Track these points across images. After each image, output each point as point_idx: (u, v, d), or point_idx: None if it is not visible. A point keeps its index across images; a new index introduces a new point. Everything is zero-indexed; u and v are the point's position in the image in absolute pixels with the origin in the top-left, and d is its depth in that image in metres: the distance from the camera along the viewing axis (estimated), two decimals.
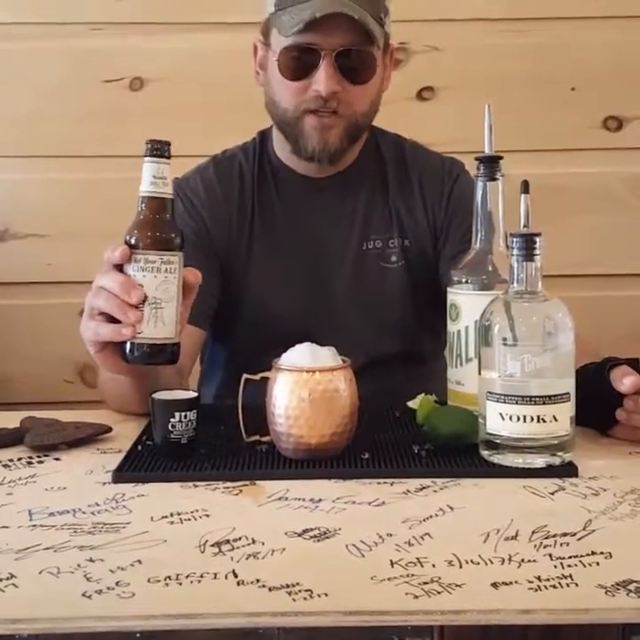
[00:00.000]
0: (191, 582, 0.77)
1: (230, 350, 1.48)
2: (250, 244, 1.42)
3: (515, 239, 1.04)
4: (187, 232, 1.31)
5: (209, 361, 1.54)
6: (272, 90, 1.36)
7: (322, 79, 1.29)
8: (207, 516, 0.92)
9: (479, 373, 1.07)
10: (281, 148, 1.43)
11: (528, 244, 1.03)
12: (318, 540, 0.86)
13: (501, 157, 1.17)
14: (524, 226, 1.06)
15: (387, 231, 1.43)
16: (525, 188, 1.06)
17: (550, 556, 0.81)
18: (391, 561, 0.80)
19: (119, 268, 1.06)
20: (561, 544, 0.84)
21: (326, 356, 1.08)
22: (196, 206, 1.41)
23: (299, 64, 1.31)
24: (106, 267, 1.06)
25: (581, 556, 0.81)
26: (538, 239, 1.04)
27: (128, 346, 1.05)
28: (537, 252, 1.04)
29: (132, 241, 1.06)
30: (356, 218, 1.43)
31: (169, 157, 1.07)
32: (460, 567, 0.79)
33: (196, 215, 1.41)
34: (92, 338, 1.07)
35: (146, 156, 1.06)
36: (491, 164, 1.16)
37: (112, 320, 1.05)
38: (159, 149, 1.06)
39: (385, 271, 1.42)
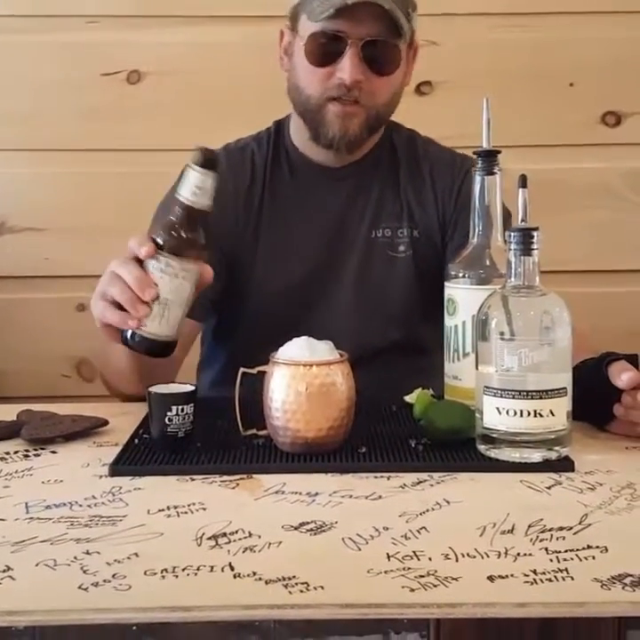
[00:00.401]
0: (188, 575, 0.77)
1: (233, 337, 1.49)
2: (257, 232, 1.43)
3: (512, 233, 1.04)
4: None
5: (209, 347, 1.54)
6: (296, 76, 1.37)
7: (346, 67, 1.30)
8: (204, 509, 0.92)
9: (476, 368, 1.07)
10: (299, 135, 1.44)
11: (526, 239, 1.03)
12: (315, 534, 0.86)
13: (499, 152, 1.17)
14: (522, 220, 1.06)
15: (397, 221, 1.44)
16: (523, 182, 1.06)
17: (546, 549, 0.81)
18: (388, 554, 0.80)
19: (139, 259, 1.08)
20: (557, 538, 0.84)
21: (323, 349, 1.08)
22: None
23: (325, 50, 1.32)
24: (128, 254, 1.08)
25: (577, 549, 0.81)
26: (535, 233, 1.03)
27: (129, 333, 1.09)
28: (534, 246, 1.04)
29: (159, 241, 1.07)
30: (367, 207, 1.44)
31: (217, 170, 1.07)
32: (457, 561, 0.79)
33: None
34: (99, 316, 1.11)
35: (195, 163, 1.06)
36: (488, 158, 1.16)
37: (121, 307, 1.08)
38: (211, 161, 1.06)
39: (392, 260, 1.44)
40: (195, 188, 1.06)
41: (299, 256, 1.43)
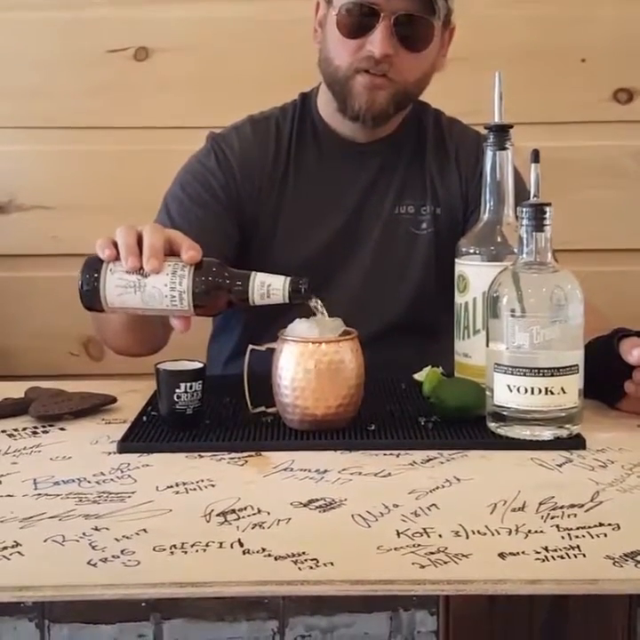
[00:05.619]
0: (197, 551, 0.77)
1: (247, 310, 1.48)
2: (280, 201, 1.42)
3: (524, 209, 1.03)
4: (213, 185, 1.38)
5: (222, 320, 1.53)
6: (327, 46, 1.37)
7: (377, 40, 1.29)
8: (212, 486, 0.92)
9: (487, 345, 1.06)
10: (327, 108, 1.43)
11: (538, 214, 1.02)
12: (324, 511, 0.85)
13: (511, 126, 1.16)
14: (534, 196, 1.04)
15: (420, 198, 1.44)
16: (536, 157, 1.05)
17: (557, 527, 0.81)
18: (397, 531, 0.80)
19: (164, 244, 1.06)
20: (568, 515, 0.83)
21: (332, 327, 1.07)
22: (229, 159, 1.41)
23: (357, 22, 1.31)
24: (162, 233, 1.06)
25: (589, 527, 0.81)
26: (548, 209, 1.02)
27: (88, 282, 1.09)
28: (547, 222, 1.02)
29: (202, 273, 1.05)
30: (392, 183, 1.44)
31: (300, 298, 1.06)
32: (467, 537, 0.79)
33: (226, 168, 1.41)
34: (99, 244, 1.09)
35: (290, 287, 1.05)
36: (500, 132, 1.15)
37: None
38: (297, 295, 1.06)
39: (414, 237, 1.43)
40: (265, 298, 1.06)
41: (320, 229, 1.42)
